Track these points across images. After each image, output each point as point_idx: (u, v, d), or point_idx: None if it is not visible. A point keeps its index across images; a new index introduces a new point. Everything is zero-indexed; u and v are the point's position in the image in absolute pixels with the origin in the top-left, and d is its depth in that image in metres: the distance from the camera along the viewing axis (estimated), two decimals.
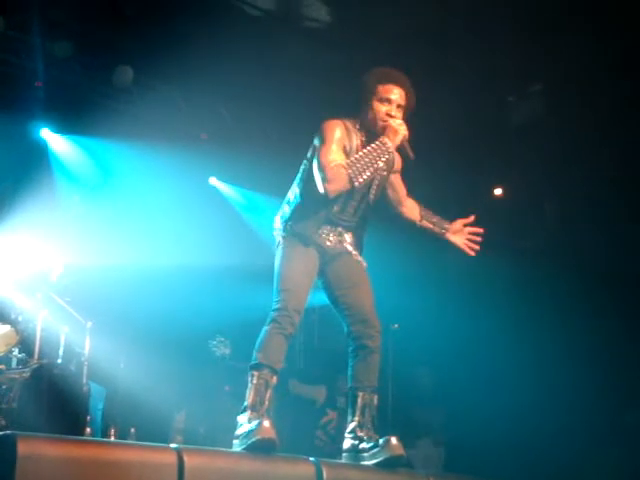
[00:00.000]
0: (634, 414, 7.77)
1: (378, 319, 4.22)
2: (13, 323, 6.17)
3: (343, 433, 4.21)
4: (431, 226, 4.53)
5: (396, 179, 4.50)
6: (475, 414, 7.94)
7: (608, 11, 6.61)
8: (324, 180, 4.01)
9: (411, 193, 4.62)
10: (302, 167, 4.28)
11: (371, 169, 4.02)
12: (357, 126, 4.22)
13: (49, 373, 5.90)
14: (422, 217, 4.54)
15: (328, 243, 4.24)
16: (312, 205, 4.18)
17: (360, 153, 4.05)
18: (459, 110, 7.88)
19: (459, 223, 4.53)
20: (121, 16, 7.46)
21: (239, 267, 8.52)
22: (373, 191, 4.28)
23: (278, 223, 4.30)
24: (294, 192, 4.27)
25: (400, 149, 4.17)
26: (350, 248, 4.30)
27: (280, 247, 4.22)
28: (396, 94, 4.17)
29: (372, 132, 4.17)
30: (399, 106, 4.18)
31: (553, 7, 6.66)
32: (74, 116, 8.13)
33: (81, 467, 3.00)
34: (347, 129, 4.18)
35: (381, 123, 4.14)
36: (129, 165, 8.28)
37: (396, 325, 7.45)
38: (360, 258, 4.34)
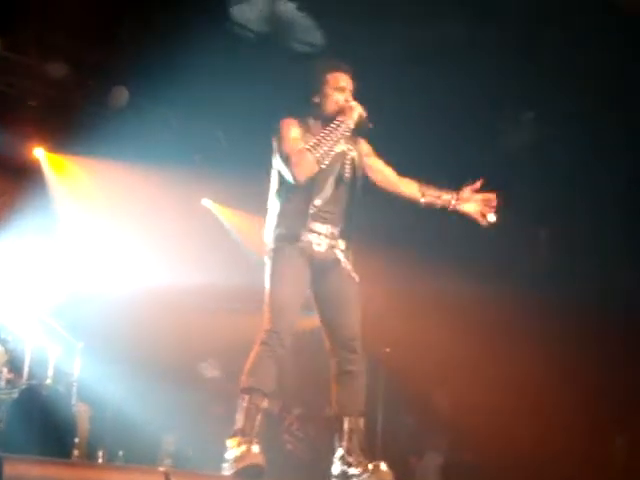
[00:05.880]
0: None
1: (361, 342, 4.10)
2: (2, 342, 6.15)
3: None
4: (436, 200, 4.32)
5: (375, 163, 4.35)
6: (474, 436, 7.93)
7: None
8: (291, 166, 4.01)
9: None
10: (272, 177, 4.23)
11: (334, 149, 4.06)
12: (312, 121, 4.18)
13: (37, 394, 5.86)
14: (424, 193, 4.31)
15: (317, 247, 4.11)
16: (292, 204, 4.12)
17: (322, 134, 4.04)
18: (451, 137, 7.91)
19: (467, 191, 4.30)
20: (117, 38, 7.50)
21: (230, 289, 8.50)
22: (347, 170, 4.19)
23: (266, 237, 4.19)
24: (272, 202, 4.21)
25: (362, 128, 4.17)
26: (342, 257, 4.15)
27: (269, 264, 4.12)
28: (345, 81, 4.25)
29: (330, 121, 4.12)
30: (350, 91, 4.24)
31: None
32: (68, 136, 8.14)
33: None
34: (302, 127, 4.15)
35: (340, 106, 4.15)
36: (123, 186, 8.28)
37: (388, 349, 7.44)
38: (351, 271, 4.16)
